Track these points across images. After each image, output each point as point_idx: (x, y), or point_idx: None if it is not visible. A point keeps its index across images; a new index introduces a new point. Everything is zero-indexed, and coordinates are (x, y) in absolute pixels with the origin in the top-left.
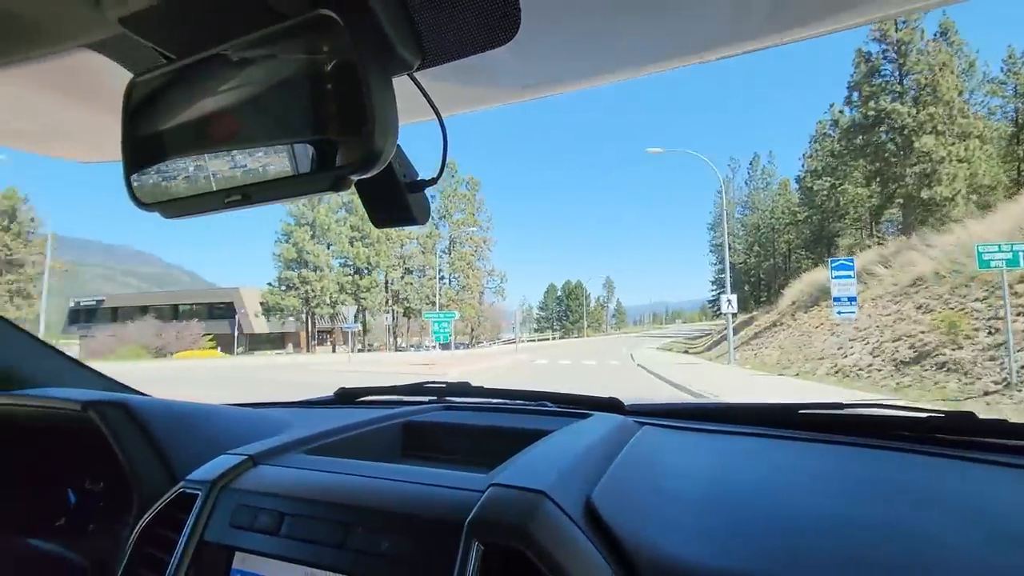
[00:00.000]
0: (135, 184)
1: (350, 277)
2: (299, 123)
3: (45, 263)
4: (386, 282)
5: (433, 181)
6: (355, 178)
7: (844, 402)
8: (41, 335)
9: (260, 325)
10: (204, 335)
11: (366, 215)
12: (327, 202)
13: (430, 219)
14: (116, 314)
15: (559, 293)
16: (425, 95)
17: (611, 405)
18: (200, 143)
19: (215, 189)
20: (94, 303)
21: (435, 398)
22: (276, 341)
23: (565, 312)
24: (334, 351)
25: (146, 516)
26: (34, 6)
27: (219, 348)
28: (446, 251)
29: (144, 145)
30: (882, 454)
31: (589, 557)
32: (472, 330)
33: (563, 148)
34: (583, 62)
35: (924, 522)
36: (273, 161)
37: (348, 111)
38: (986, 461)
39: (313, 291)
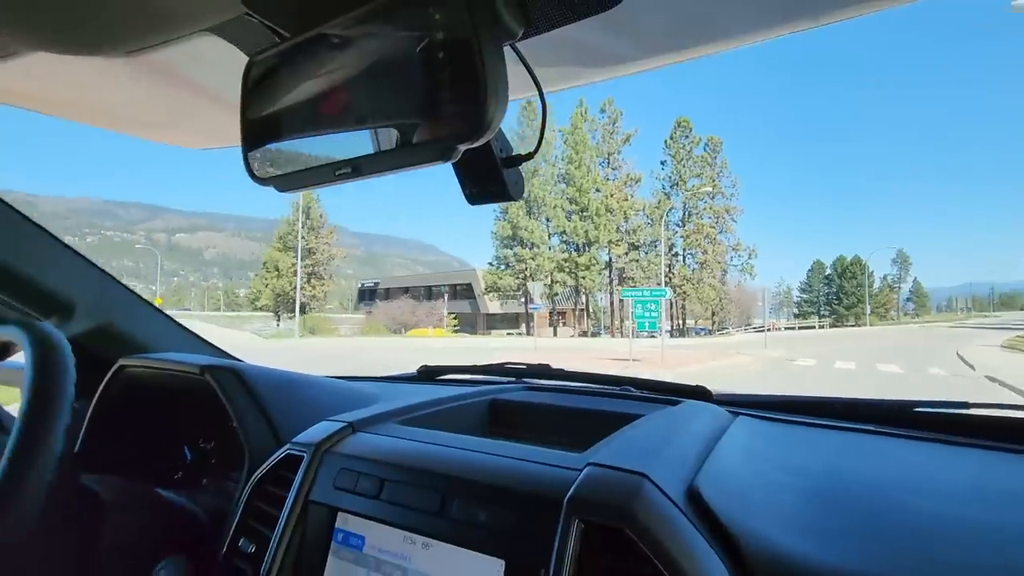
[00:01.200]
0: (251, 160)
1: (567, 254)
2: (410, 94)
3: (332, 251)
4: (608, 260)
5: (530, 156)
6: (463, 148)
7: (968, 402)
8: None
9: (495, 305)
10: (448, 314)
11: (582, 186)
12: (542, 176)
13: (662, 187)
14: (388, 294)
15: (828, 271)
16: (527, 67)
17: (699, 392)
18: (313, 118)
19: (325, 163)
20: (373, 285)
21: (514, 379)
22: (511, 321)
23: (836, 294)
24: (555, 334)
25: (256, 473)
26: None
27: (459, 327)
28: (679, 223)
29: (260, 122)
30: (1011, 457)
31: (693, 541)
32: (713, 314)
33: (829, 84)
34: (694, 28)
35: None
36: (382, 133)
37: (461, 81)
38: None
39: (528, 269)
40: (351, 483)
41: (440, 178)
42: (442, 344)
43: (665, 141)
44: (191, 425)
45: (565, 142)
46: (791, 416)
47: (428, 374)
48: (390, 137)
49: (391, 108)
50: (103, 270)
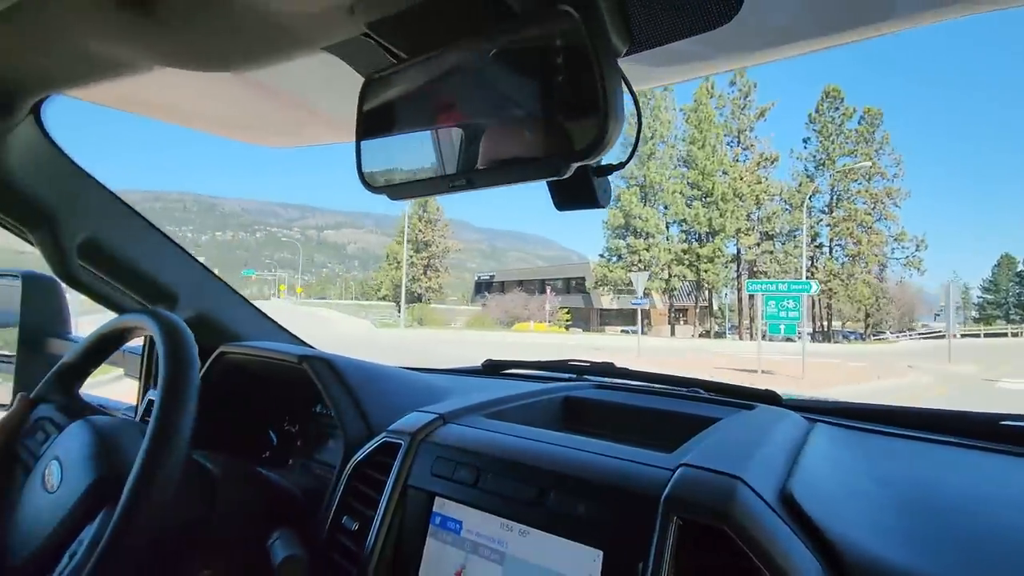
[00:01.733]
0: (365, 170)
1: (687, 245)
2: (526, 113)
3: (447, 244)
4: (736, 251)
5: (621, 165)
6: (577, 164)
7: None
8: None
9: (608, 300)
10: (561, 308)
11: (705, 169)
12: (659, 159)
13: (804, 168)
14: (503, 287)
15: (1021, 267)
16: (625, 81)
17: (769, 397)
18: (427, 133)
19: (441, 175)
20: (489, 277)
21: (574, 376)
22: (627, 317)
23: None
24: (672, 334)
25: (355, 458)
26: (294, 11)
27: (571, 322)
28: (825, 209)
29: (375, 135)
30: None
31: (790, 542)
32: (867, 316)
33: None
34: (804, 27)
35: None
36: (498, 147)
37: (580, 98)
38: None
39: (641, 261)
40: (448, 471)
41: None
42: (533, 340)
43: (809, 115)
44: (276, 410)
45: (687, 120)
46: (873, 426)
47: (493, 368)
48: (506, 151)
49: (506, 125)
50: (201, 263)
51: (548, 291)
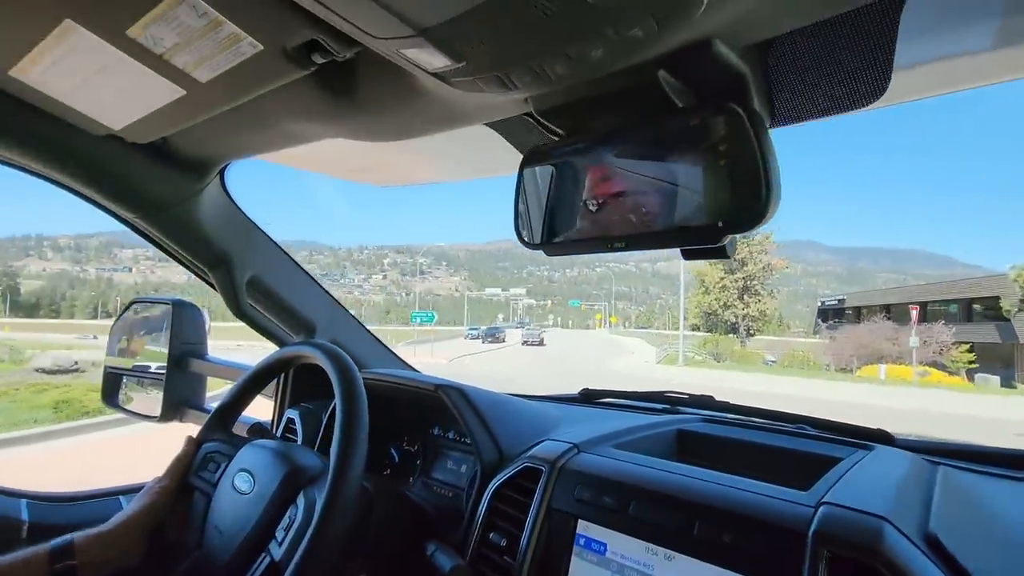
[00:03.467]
0: (522, 229)
1: None
2: (687, 186)
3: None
4: None
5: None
6: (734, 235)
7: None
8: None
9: None
10: (957, 344)
11: None
12: None
13: None
14: (858, 314)
15: None
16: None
17: (880, 436)
18: (587, 200)
19: (601, 235)
20: (837, 302)
21: (669, 407)
22: None
23: None
24: None
25: (498, 479)
26: (474, 97)
27: (977, 364)
28: None
29: (534, 198)
30: None
31: None
32: None
33: None
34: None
35: None
36: (658, 217)
37: (741, 176)
38: None
39: None
40: (592, 496)
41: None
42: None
43: None
44: (396, 430)
45: None
46: (999, 470)
47: (588, 396)
48: (666, 221)
49: (664, 198)
50: (332, 296)
51: (914, 315)
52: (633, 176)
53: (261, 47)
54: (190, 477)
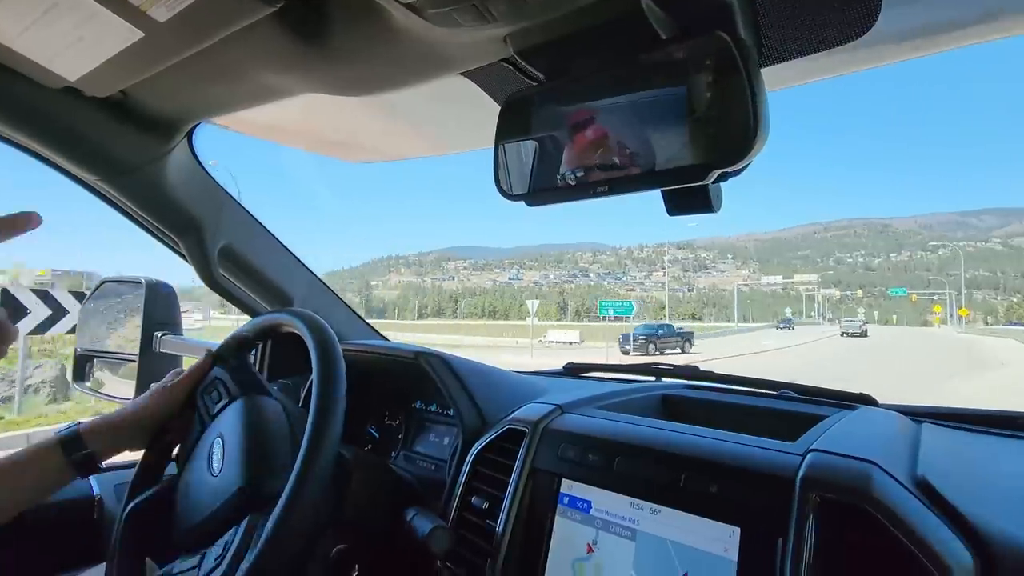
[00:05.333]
0: (502, 180)
1: None
2: (672, 123)
3: None
4: None
5: (738, 172)
6: (721, 171)
7: None
8: None
9: None
10: None
11: None
12: None
13: None
14: None
15: None
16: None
17: (863, 399)
18: (568, 143)
19: (583, 181)
20: None
21: (655, 379)
22: None
23: None
24: None
25: (479, 444)
26: (452, 40)
27: None
28: None
29: (514, 149)
30: None
31: (933, 523)
32: None
33: None
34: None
35: None
36: (643, 157)
37: (730, 110)
38: None
39: None
40: (576, 455)
41: None
42: None
43: None
44: (377, 405)
45: None
46: (981, 428)
47: (574, 370)
48: (650, 160)
49: (650, 136)
50: (311, 271)
51: None
52: (617, 117)
53: None
54: (198, 393)
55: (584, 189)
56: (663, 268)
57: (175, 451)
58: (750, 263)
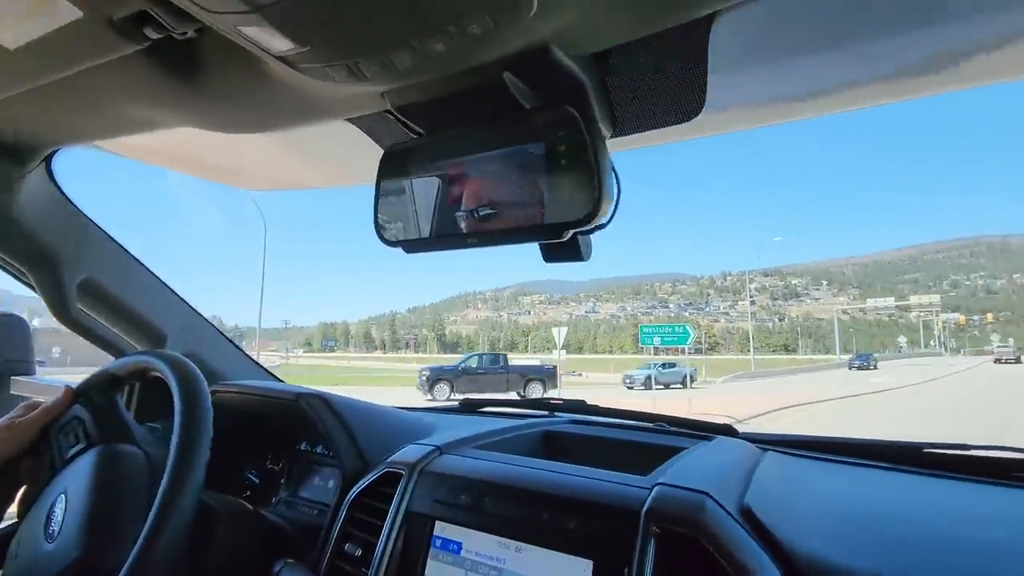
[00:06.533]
0: (381, 226)
1: None
2: (533, 186)
3: None
4: None
5: (603, 226)
6: (575, 231)
7: (970, 444)
8: None
9: None
10: None
11: None
12: None
13: None
14: None
15: None
16: (595, 158)
17: (726, 430)
18: (442, 197)
19: (455, 232)
20: None
21: (547, 413)
22: None
23: None
24: None
25: (356, 488)
26: (327, 91)
27: None
28: None
29: (393, 197)
30: (1003, 490)
31: (751, 547)
32: None
33: None
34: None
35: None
36: (508, 214)
37: (579, 178)
38: None
39: None
40: (449, 496)
41: None
42: None
43: None
44: (258, 449)
45: None
46: (816, 454)
47: (471, 406)
48: (515, 218)
49: (515, 196)
50: (191, 305)
51: None
52: (488, 176)
53: (81, 13)
54: (53, 432)
55: (457, 240)
56: (751, 297)
57: (20, 494)
58: (848, 289)
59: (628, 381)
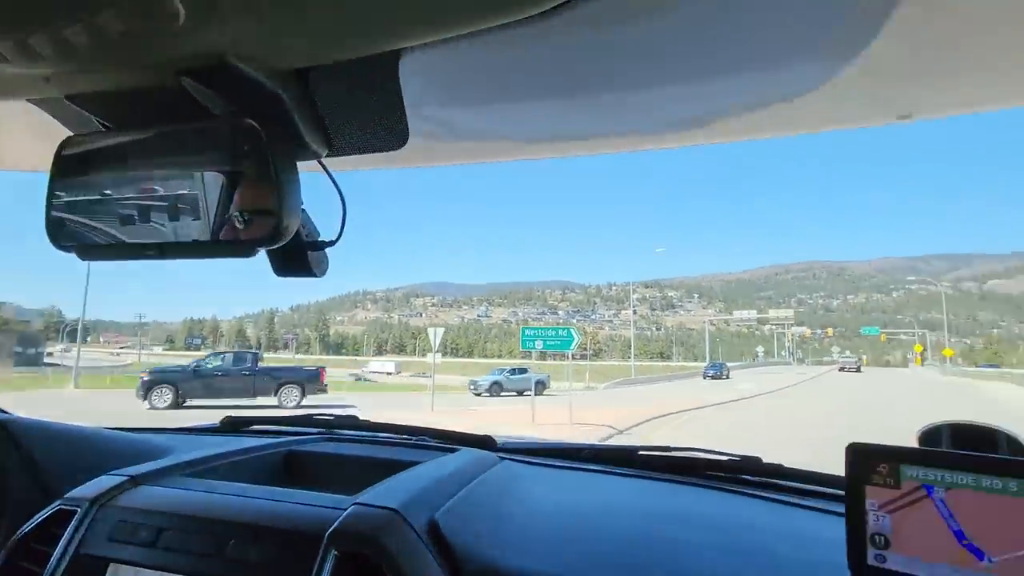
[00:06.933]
0: (54, 226)
1: None
2: (216, 199)
3: None
4: None
5: (332, 243)
6: (262, 249)
7: (672, 446)
8: None
9: None
10: None
11: None
12: None
13: None
14: None
15: None
16: (330, 177)
17: (483, 442)
18: (124, 201)
19: (131, 242)
20: None
21: (322, 430)
22: None
23: None
24: None
25: (20, 531)
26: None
27: None
28: None
29: (69, 194)
30: (683, 488)
31: (428, 565)
32: None
33: None
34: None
35: (688, 538)
36: (190, 226)
37: (260, 195)
38: (756, 496)
39: None
40: (127, 534)
41: None
42: None
43: None
44: None
45: None
46: (549, 460)
47: (232, 425)
48: (198, 231)
49: (200, 208)
50: None
51: None
52: (175, 183)
53: None
54: None
55: (138, 249)
56: (632, 306)
57: None
58: (716, 302)
59: (473, 388)
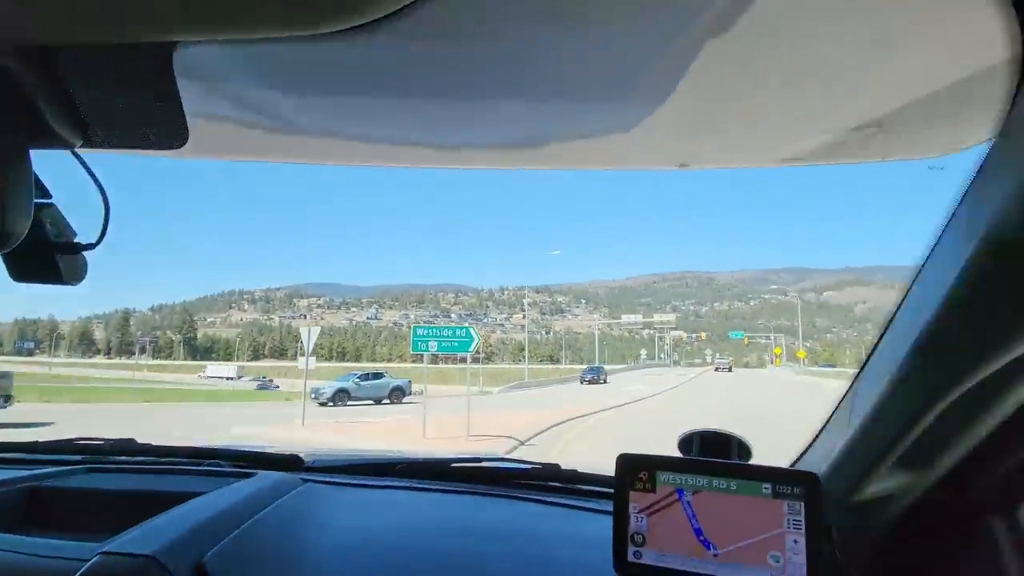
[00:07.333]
0: None
1: None
2: None
3: None
4: None
5: (92, 246)
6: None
7: (482, 456)
8: None
9: None
10: None
11: None
12: None
13: None
14: None
15: None
16: (88, 171)
17: (289, 462)
18: None
19: None
20: None
21: (85, 456)
22: None
23: None
24: None
25: None
26: None
27: None
28: None
29: None
30: (488, 500)
31: None
32: None
33: None
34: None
35: (483, 550)
36: None
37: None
38: (554, 504)
39: None
40: None
41: None
42: None
43: None
44: None
45: None
46: (358, 478)
47: None
48: None
49: None
50: None
51: None
52: None
53: None
54: None
55: None
56: (523, 311)
57: None
58: (601, 308)
59: (316, 395)
